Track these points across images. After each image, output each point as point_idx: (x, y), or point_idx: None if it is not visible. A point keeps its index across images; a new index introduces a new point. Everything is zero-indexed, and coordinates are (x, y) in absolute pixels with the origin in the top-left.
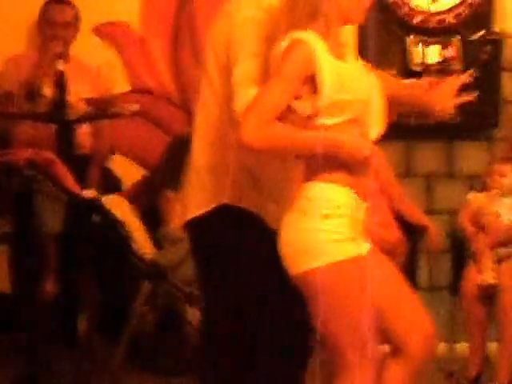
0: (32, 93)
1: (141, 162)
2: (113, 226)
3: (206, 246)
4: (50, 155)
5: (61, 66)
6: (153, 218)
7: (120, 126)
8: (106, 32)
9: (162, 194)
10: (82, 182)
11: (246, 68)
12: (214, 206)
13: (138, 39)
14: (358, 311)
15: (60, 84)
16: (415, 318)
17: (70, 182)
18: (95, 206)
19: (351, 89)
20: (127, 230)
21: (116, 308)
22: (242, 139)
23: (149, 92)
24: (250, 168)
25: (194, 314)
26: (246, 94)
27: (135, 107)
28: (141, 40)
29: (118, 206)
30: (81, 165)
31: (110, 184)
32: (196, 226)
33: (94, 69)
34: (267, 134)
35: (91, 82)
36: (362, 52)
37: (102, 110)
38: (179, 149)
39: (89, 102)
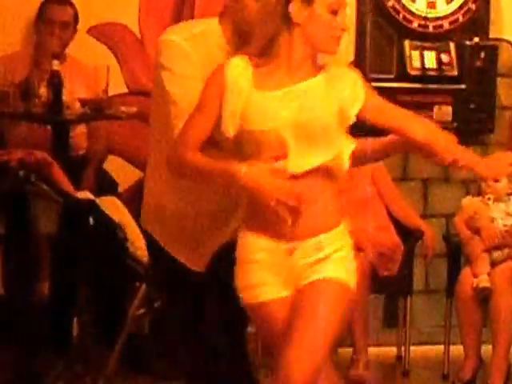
0: (27, 92)
1: (137, 163)
2: (108, 227)
3: None
4: (44, 156)
5: (57, 65)
6: None
7: (116, 128)
8: (104, 33)
9: None
10: (78, 183)
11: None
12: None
13: (135, 40)
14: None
15: (56, 84)
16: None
17: (64, 183)
18: (90, 207)
19: (259, 120)
20: (123, 232)
21: (111, 310)
22: (167, 165)
23: (146, 93)
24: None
25: None
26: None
27: (132, 110)
28: (139, 41)
29: (114, 208)
30: (76, 166)
31: (106, 185)
32: None
33: (90, 69)
34: (182, 164)
35: (87, 82)
36: (361, 56)
37: (97, 110)
38: None
39: (83, 102)
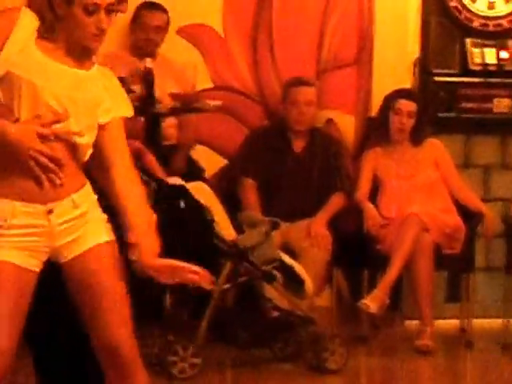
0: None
1: (222, 152)
2: (197, 210)
3: None
4: (139, 145)
5: (149, 63)
6: (233, 204)
7: (203, 119)
8: (191, 33)
9: (240, 182)
10: (169, 170)
11: None
12: None
13: (219, 40)
14: None
15: (148, 80)
16: (102, 329)
17: (157, 170)
18: (181, 192)
19: (37, 74)
20: (210, 214)
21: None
22: None
23: (229, 88)
24: None
25: (270, 291)
26: None
27: (218, 103)
28: (222, 40)
29: (202, 192)
30: (167, 154)
31: (194, 172)
32: None
33: (179, 67)
34: None
35: (177, 78)
36: (426, 53)
37: (186, 104)
38: (256, 140)
39: (174, 97)
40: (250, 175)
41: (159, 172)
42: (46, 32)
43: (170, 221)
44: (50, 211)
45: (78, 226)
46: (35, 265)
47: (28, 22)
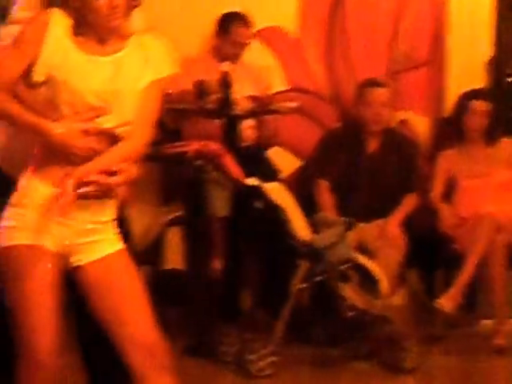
0: (202, 91)
1: (297, 153)
2: (273, 210)
3: None
4: (217, 147)
5: (227, 67)
6: (308, 204)
7: (279, 121)
8: (267, 36)
9: (315, 182)
10: (246, 170)
11: (6, 32)
12: None
13: (294, 42)
14: (16, 302)
15: (226, 83)
16: (132, 331)
17: (235, 171)
18: (258, 192)
19: (75, 74)
20: (286, 214)
21: (277, 285)
22: None
23: (304, 90)
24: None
25: (345, 290)
26: None
27: (293, 105)
28: (297, 43)
29: (278, 193)
30: (245, 155)
31: (270, 172)
32: None
33: (256, 69)
34: None
35: (254, 81)
36: (499, 53)
37: (263, 106)
38: (331, 141)
39: (252, 99)
40: (325, 176)
41: (237, 173)
42: (77, 27)
43: (246, 221)
44: (83, 206)
45: (100, 231)
46: (56, 249)
47: (59, 22)
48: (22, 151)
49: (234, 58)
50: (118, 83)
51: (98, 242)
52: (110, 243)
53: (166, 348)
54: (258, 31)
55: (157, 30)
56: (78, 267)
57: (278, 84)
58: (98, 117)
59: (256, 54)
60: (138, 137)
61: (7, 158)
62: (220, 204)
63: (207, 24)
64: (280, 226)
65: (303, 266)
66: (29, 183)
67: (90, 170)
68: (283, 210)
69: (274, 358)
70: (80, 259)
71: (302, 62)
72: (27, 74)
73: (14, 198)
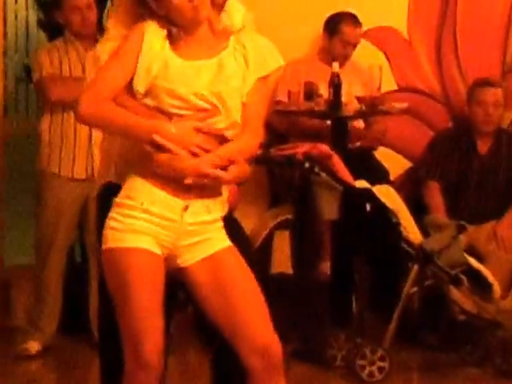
0: (310, 93)
1: (406, 154)
2: (384, 213)
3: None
4: (326, 149)
5: (336, 67)
6: (418, 207)
7: (388, 122)
8: (376, 36)
9: (426, 184)
10: (355, 172)
11: (101, 49)
12: (103, 182)
13: (404, 42)
14: (123, 303)
15: (335, 84)
16: (249, 332)
17: (344, 173)
18: (367, 195)
19: (177, 80)
20: (396, 217)
21: (387, 289)
22: (76, 114)
23: (415, 91)
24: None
25: (457, 294)
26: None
27: (403, 105)
28: (407, 43)
29: (388, 196)
30: (354, 157)
31: (379, 174)
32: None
33: (365, 69)
34: (97, 111)
35: (363, 81)
36: None
37: (372, 107)
38: (441, 142)
39: (361, 100)
40: (436, 178)
41: (346, 175)
42: (173, 35)
43: (357, 224)
44: (186, 208)
45: (205, 231)
46: (160, 252)
47: (154, 32)
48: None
49: (342, 58)
50: (220, 84)
51: (203, 241)
52: (217, 241)
53: (280, 349)
54: (368, 31)
55: (263, 30)
56: (186, 268)
57: (387, 84)
58: (208, 118)
59: (365, 54)
60: (252, 135)
61: (124, 173)
62: (328, 207)
63: (315, 24)
64: (390, 228)
65: (414, 269)
66: (136, 185)
67: (219, 157)
68: (393, 212)
69: (384, 363)
70: (186, 259)
71: (413, 61)
72: (130, 86)
73: (120, 198)
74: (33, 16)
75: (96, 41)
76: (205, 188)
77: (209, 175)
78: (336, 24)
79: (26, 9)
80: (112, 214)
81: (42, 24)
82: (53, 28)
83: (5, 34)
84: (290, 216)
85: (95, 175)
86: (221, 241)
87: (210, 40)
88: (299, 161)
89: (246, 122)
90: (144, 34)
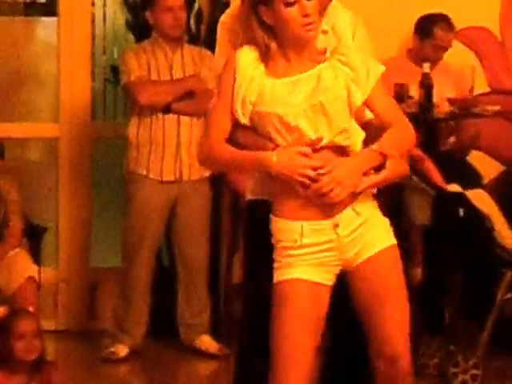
0: (401, 94)
1: (499, 157)
2: (477, 218)
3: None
4: (418, 152)
5: (427, 69)
6: None
7: (480, 124)
8: (468, 36)
9: None
10: (447, 176)
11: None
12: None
13: (497, 43)
14: (275, 327)
15: (427, 86)
16: (383, 339)
17: (436, 177)
18: (460, 199)
19: (273, 102)
20: (490, 222)
21: (480, 295)
22: (197, 159)
23: (508, 93)
24: None
25: None
26: None
27: (496, 108)
28: (499, 43)
29: (481, 200)
30: (445, 160)
31: (471, 178)
32: None
33: (457, 71)
34: (210, 156)
35: (454, 83)
36: None
37: (464, 109)
38: None
39: (452, 101)
40: None
41: (438, 179)
42: (266, 54)
43: (449, 229)
44: (336, 225)
45: (363, 234)
46: (329, 279)
47: (245, 58)
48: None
49: (434, 60)
50: (320, 95)
51: (366, 243)
52: (377, 241)
53: (408, 363)
54: (460, 31)
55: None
56: (351, 271)
57: (480, 85)
58: (313, 144)
59: (456, 54)
60: (398, 128)
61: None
62: (420, 211)
63: (405, 24)
64: (484, 233)
65: (508, 275)
66: (278, 226)
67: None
68: (487, 217)
69: (477, 371)
70: (352, 267)
71: (506, 62)
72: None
73: (275, 243)
74: (120, 17)
75: (183, 43)
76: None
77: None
78: (429, 26)
79: (114, 10)
80: (274, 254)
81: (129, 25)
82: (141, 29)
83: (93, 36)
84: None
85: (184, 177)
86: (380, 241)
87: (309, 53)
88: None
89: (387, 119)
90: (236, 63)
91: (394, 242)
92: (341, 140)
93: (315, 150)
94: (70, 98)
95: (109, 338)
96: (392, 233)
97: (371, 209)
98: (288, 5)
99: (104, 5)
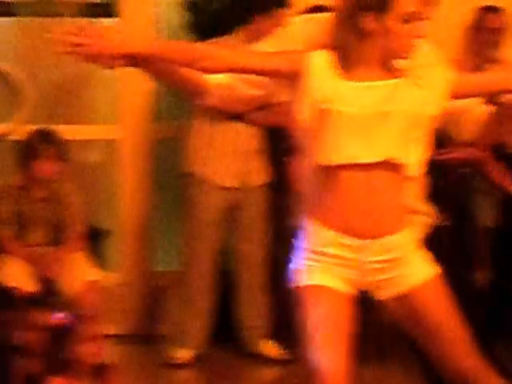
0: None
1: None
2: None
3: None
4: (484, 154)
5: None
6: None
7: None
8: None
9: None
10: None
11: None
12: None
13: None
14: (303, 331)
15: None
16: (454, 364)
17: (503, 179)
18: None
19: (346, 103)
20: None
21: None
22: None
23: None
24: None
25: None
26: None
27: None
28: None
29: None
30: None
31: None
32: None
33: None
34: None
35: None
36: None
37: None
38: None
39: None
40: None
41: (504, 181)
42: (345, 58)
43: None
44: (361, 248)
45: (391, 268)
46: (349, 290)
47: (319, 58)
48: None
49: (489, 48)
50: (391, 104)
51: (394, 278)
52: (412, 276)
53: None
54: None
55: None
56: (382, 301)
57: None
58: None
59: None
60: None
61: None
62: (487, 214)
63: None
64: None
65: None
66: (311, 229)
67: None
68: None
69: None
70: (380, 295)
71: None
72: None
73: (302, 242)
74: (177, 17)
75: None
76: (382, 225)
77: None
78: (477, 16)
79: (174, 10)
80: (299, 256)
81: (191, 25)
82: (205, 29)
83: (154, 37)
84: (444, 223)
85: (246, 184)
86: (416, 276)
87: (391, 65)
88: (455, 166)
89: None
90: (311, 62)
91: (433, 271)
92: (395, 156)
93: (367, 169)
94: (131, 99)
95: (171, 343)
96: (430, 262)
97: (409, 248)
98: (402, 22)
99: (165, 5)
